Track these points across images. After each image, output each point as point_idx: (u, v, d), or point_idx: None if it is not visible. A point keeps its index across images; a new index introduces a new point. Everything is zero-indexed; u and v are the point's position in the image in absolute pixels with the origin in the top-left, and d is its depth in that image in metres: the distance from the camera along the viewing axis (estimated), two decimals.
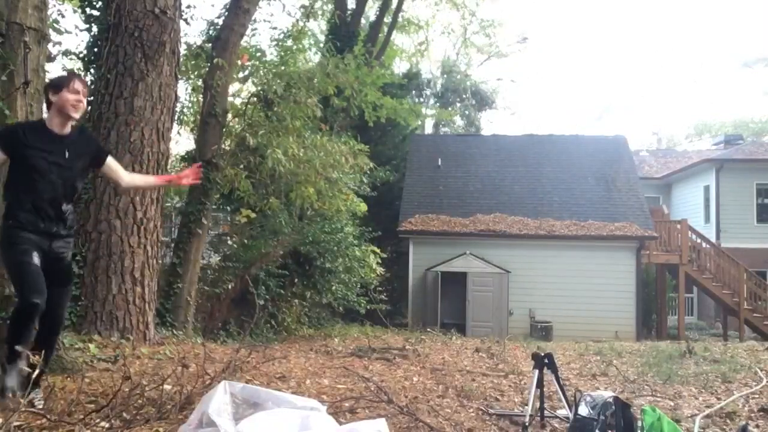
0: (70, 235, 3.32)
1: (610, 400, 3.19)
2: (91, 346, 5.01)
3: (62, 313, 3.36)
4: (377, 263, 11.59)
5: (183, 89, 11.44)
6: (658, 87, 60.03)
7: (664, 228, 16.25)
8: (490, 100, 29.06)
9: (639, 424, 3.27)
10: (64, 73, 3.21)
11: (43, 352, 2.90)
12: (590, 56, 65.43)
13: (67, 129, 3.23)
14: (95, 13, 6.58)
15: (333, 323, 12.76)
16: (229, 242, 12.29)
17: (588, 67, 63.68)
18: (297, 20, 15.95)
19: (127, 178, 3.58)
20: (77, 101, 3.16)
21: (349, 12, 18.16)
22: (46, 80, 4.46)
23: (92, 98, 6.32)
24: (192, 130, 10.90)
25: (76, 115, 3.19)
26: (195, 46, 10.00)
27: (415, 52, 27.27)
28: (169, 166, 6.78)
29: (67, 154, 3.19)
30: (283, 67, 10.40)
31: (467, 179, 17.31)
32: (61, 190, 3.17)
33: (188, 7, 8.45)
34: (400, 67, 27.01)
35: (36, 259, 3.04)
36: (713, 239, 17.92)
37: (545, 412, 3.77)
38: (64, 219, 3.21)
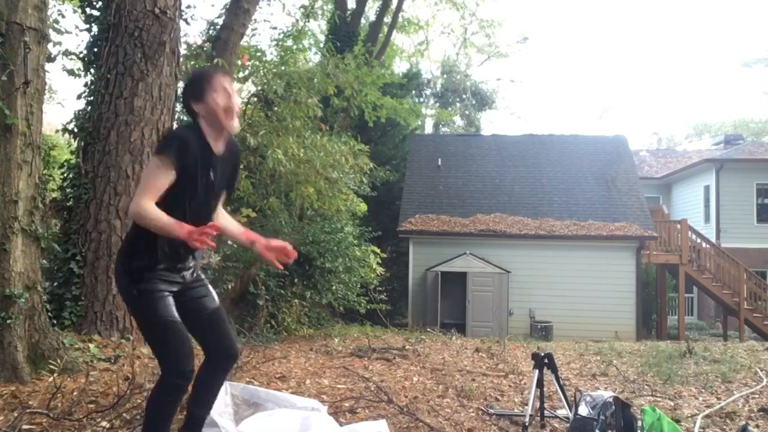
0: None
1: (610, 400, 3.19)
2: (91, 346, 5.02)
3: None
4: (377, 263, 11.58)
5: None
6: (658, 87, 60.13)
7: (664, 228, 16.25)
8: (490, 100, 29.07)
9: (639, 424, 3.27)
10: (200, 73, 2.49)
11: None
12: (590, 56, 65.53)
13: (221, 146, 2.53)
14: (95, 13, 6.58)
15: (333, 323, 12.75)
16: (229, 242, 12.26)
17: (588, 67, 63.77)
18: (297, 20, 15.99)
19: (221, 215, 2.73)
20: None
21: (349, 12, 18.17)
22: (47, 80, 4.45)
23: (92, 98, 6.34)
24: None
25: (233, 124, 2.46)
26: (195, 46, 9.98)
27: (415, 52, 27.25)
28: None
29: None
30: (283, 67, 10.38)
31: (467, 179, 17.29)
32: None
33: (188, 7, 8.42)
34: (400, 67, 27.03)
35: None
36: (713, 239, 17.92)
37: (545, 412, 3.77)
38: None
